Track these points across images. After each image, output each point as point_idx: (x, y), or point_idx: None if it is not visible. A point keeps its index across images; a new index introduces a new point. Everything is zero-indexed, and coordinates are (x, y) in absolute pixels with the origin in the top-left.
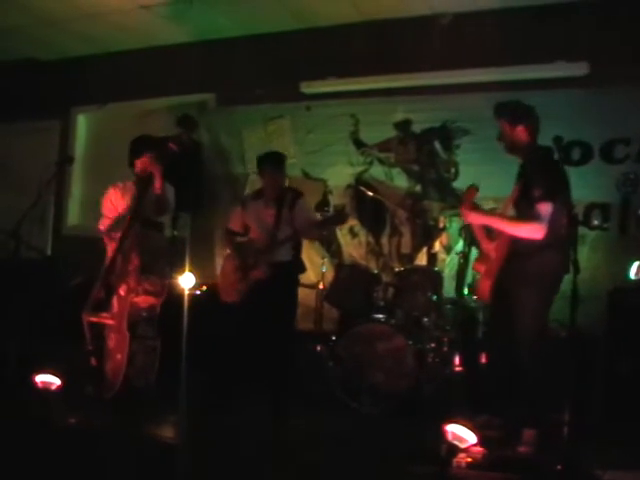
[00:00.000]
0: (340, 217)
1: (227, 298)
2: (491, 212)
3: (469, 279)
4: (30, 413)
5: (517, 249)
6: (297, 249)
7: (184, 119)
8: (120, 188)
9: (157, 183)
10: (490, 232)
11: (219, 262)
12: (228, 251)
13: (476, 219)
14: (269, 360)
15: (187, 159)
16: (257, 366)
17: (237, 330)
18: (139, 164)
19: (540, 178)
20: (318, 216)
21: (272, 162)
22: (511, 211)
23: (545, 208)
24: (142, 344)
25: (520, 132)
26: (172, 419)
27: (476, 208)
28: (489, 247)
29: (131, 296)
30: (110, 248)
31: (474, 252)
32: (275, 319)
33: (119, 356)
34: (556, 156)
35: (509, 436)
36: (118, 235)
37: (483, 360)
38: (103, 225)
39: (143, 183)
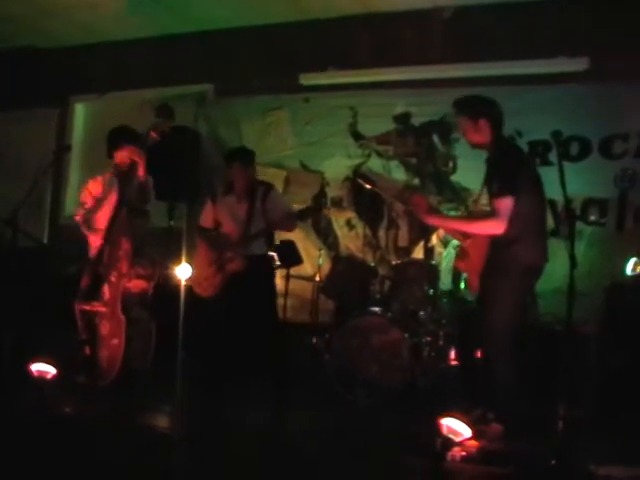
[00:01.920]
0: (314, 209)
1: (202, 292)
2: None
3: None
4: (25, 402)
5: (493, 242)
6: (271, 242)
7: (162, 108)
8: (100, 181)
9: (140, 172)
10: None
11: None
12: (199, 246)
13: (436, 222)
14: (253, 352)
15: (184, 150)
16: (240, 359)
17: (216, 324)
18: (118, 156)
19: (497, 173)
20: (294, 207)
21: (241, 157)
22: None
23: (502, 203)
24: (137, 327)
25: (482, 126)
26: (167, 408)
27: (434, 211)
28: (466, 243)
29: (123, 281)
30: (92, 238)
31: None
32: (254, 312)
33: (115, 341)
34: (523, 150)
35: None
36: (97, 226)
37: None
38: (79, 215)
39: (126, 172)
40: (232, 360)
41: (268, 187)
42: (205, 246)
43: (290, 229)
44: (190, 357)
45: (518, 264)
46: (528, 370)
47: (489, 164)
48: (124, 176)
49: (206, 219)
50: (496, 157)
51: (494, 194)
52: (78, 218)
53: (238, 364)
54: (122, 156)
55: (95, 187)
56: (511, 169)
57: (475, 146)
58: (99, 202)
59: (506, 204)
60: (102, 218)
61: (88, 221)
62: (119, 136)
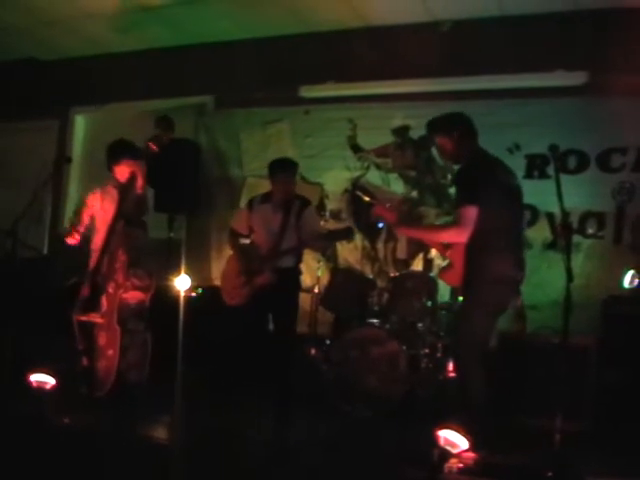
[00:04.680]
0: (347, 233)
1: (230, 301)
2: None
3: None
4: (24, 412)
5: (465, 253)
6: (300, 256)
7: (162, 120)
8: (99, 193)
9: (139, 183)
10: None
11: (215, 264)
12: (230, 252)
13: (405, 232)
14: (271, 364)
15: (184, 161)
16: (258, 369)
17: (239, 333)
18: (118, 170)
19: (460, 183)
20: (323, 224)
21: (285, 169)
22: None
23: (465, 211)
24: (133, 338)
25: (457, 138)
26: (167, 420)
27: (402, 221)
28: (447, 254)
29: (120, 292)
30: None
31: None
32: (278, 324)
33: (111, 352)
34: (489, 159)
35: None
36: (97, 241)
37: None
38: (75, 240)
39: (126, 185)
40: (241, 371)
41: (305, 202)
42: (235, 254)
43: (322, 251)
44: (191, 366)
45: (485, 274)
46: (522, 382)
47: (455, 176)
48: (123, 189)
49: (240, 224)
50: (462, 169)
51: (458, 203)
52: (73, 242)
53: (246, 375)
54: (122, 170)
55: (95, 201)
56: (475, 179)
57: (457, 161)
58: (99, 219)
59: (469, 212)
60: (103, 232)
61: (88, 240)
62: (118, 150)
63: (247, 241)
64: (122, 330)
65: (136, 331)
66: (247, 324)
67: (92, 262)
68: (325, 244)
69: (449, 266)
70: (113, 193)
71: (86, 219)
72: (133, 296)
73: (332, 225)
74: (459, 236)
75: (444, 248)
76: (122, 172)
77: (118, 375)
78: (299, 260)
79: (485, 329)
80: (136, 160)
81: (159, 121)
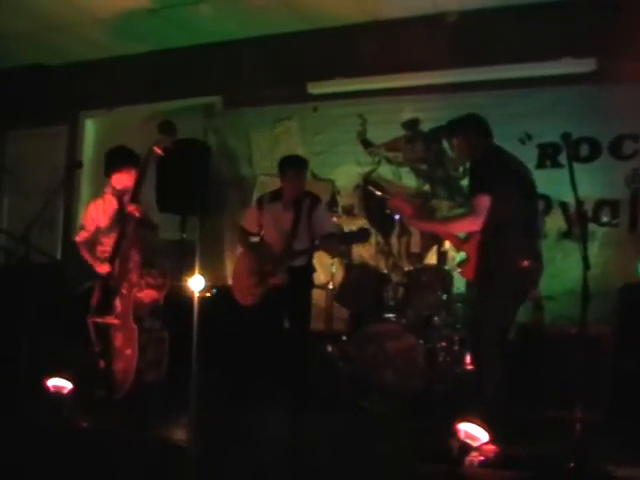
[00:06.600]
0: (363, 235)
1: (243, 301)
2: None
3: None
4: (42, 417)
5: (479, 245)
6: (312, 254)
7: (164, 124)
8: (100, 204)
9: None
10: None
11: (229, 264)
12: (241, 250)
13: (420, 225)
14: (287, 363)
15: (194, 162)
16: (274, 368)
17: (253, 332)
18: (116, 177)
19: (473, 173)
20: (335, 220)
21: (295, 165)
22: None
23: (479, 200)
24: (150, 337)
25: (474, 139)
26: (183, 421)
27: (419, 214)
28: (463, 248)
29: (134, 291)
30: (90, 259)
31: None
32: (292, 322)
33: (129, 351)
34: (503, 153)
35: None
36: (99, 248)
37: None
38: (80, 237)
39: (129, 189)
40: (256, 369)
41: (315, 199)
42: (246, 253)
43: (333, 253)
44: (207, 366)
45: (501, 264)
46: (540, 373)
47: (470, 169)
48: (131, 192)
49: (250, 223)
50: (475, 162)
51: (472, 193)
52: (78, 239)
53: (262, 373)
54: (121, 177)
55: (96, 210)
56: (487, 170)
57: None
58: (103, 230)
59: (482, 201)
60: (110, 239)
61: (90, 245)
62: (120, 157)
63: (256, 239)
64: (139, 329)
65: (153, 330)
66: (261, 323)
67: (101, 268)
68: (340, 247)
69: (467, 260)
70: (111, 200)
71: (90, 227)
72: (147, 294)
73: (345, 221)
74: (472, 225)
75: (460, 242)
76: (120, 179)
77: (136, 375)
78: (311, 258)
79: (504, 319)
80: (136, 167)
81: (161, 126)
